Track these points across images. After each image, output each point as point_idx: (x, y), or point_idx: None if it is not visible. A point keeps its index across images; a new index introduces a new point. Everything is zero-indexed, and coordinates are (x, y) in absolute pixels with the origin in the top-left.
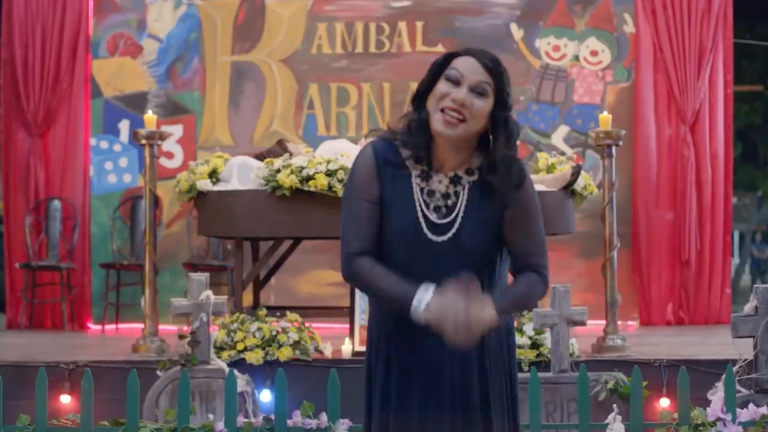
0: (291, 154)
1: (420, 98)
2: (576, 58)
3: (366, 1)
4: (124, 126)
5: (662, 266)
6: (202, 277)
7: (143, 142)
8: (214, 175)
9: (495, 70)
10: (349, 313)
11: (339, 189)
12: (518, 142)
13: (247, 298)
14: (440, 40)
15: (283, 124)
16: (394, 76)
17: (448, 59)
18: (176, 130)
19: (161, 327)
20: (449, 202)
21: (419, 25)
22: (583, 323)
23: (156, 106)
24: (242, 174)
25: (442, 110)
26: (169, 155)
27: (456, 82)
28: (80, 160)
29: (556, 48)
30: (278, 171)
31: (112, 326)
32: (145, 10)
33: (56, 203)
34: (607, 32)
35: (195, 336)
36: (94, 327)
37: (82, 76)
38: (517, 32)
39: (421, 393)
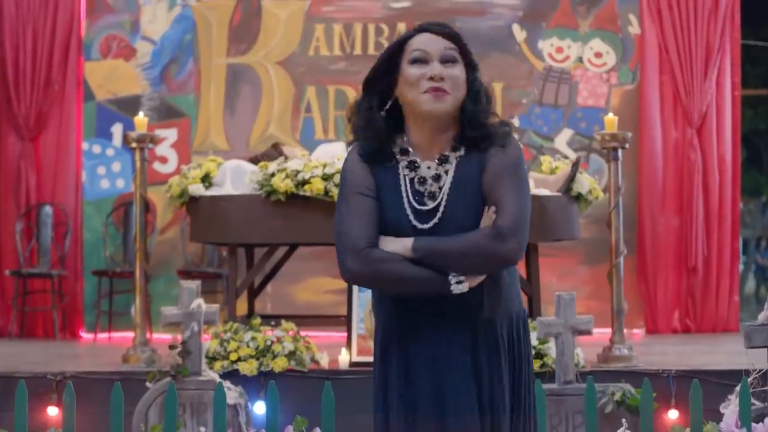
0: (286, 158)
1: (370, 86)
2: (580, 59)
3: (365, 1)
4: (117, 130)
5: (668, 273)
6: (193, 285)
7: (134, 145)
8: (206, 179)
9: (453, 35)
10: (347, 322)
11: (335, 193)
12: (491, 105)
13: (243, 307)
14: None
15: (279, 128)
16: None
17: (402, 44)
18: (170, 134)
19: (156, 336)
20: (441, 183)
21: None
22: (589, 332)
23: (150, 109)
24: (236, 178)
25: (425, 92)
26: (163, 160)
27: (424, 62)
28: (72, 165)
29: (560, 49)
30: (273, 175)
31: (105, 335)
32: (138, 11)
33: (47, 209)
34: (611, 33)
35: (186, 346)
36: (86, 336)
37: (74, 78)
38: (519, 33)
39: (423, 395)
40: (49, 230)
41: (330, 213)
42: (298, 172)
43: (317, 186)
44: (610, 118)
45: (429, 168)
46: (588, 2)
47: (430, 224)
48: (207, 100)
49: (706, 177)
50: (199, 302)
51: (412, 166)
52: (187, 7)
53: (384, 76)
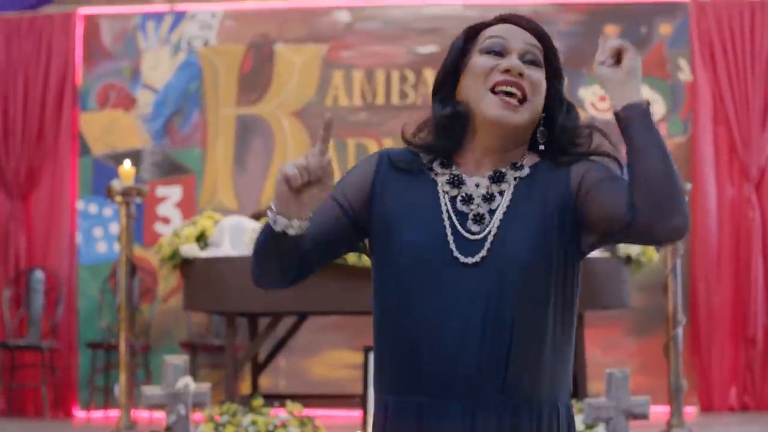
0: None
1: (442, 90)
2: None
3: (388, 46)
4: None
5: (724, 344)
6: (180, 360)
7: (118, 199)
8: (202, 238)
9: (541, 32)
10: (362, 401)
11: (352, 255)
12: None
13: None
14: None
15: None
16: None
17: (476, 32)
18: (175, 192)
19: (157, 415)
20: (493, 205)
21: None
22: (645, 416)
23: (152, 164)
24: (235, 237)
25: (493, 91)
26: (166, 220)
27: (499, 54)
28: (66, 226)
29: (603, 98)
30: None
31: (100, 413)
32: (139, 57)
33: (39, 274)
34: (660, 80)
35: None
36: (80, 414)
37: (69, 131)
38: None
39: None
40: (40, 298)
41: (347, 278)
42: None
43: None
44: None
45: (478, 186)
46: (634, 46)
47: (476, 258)
48: (214, 155)
49: (766, 237)
50: (186, 381)
51: (455, 181)
52: (192, 53)
53: (452, 75)
